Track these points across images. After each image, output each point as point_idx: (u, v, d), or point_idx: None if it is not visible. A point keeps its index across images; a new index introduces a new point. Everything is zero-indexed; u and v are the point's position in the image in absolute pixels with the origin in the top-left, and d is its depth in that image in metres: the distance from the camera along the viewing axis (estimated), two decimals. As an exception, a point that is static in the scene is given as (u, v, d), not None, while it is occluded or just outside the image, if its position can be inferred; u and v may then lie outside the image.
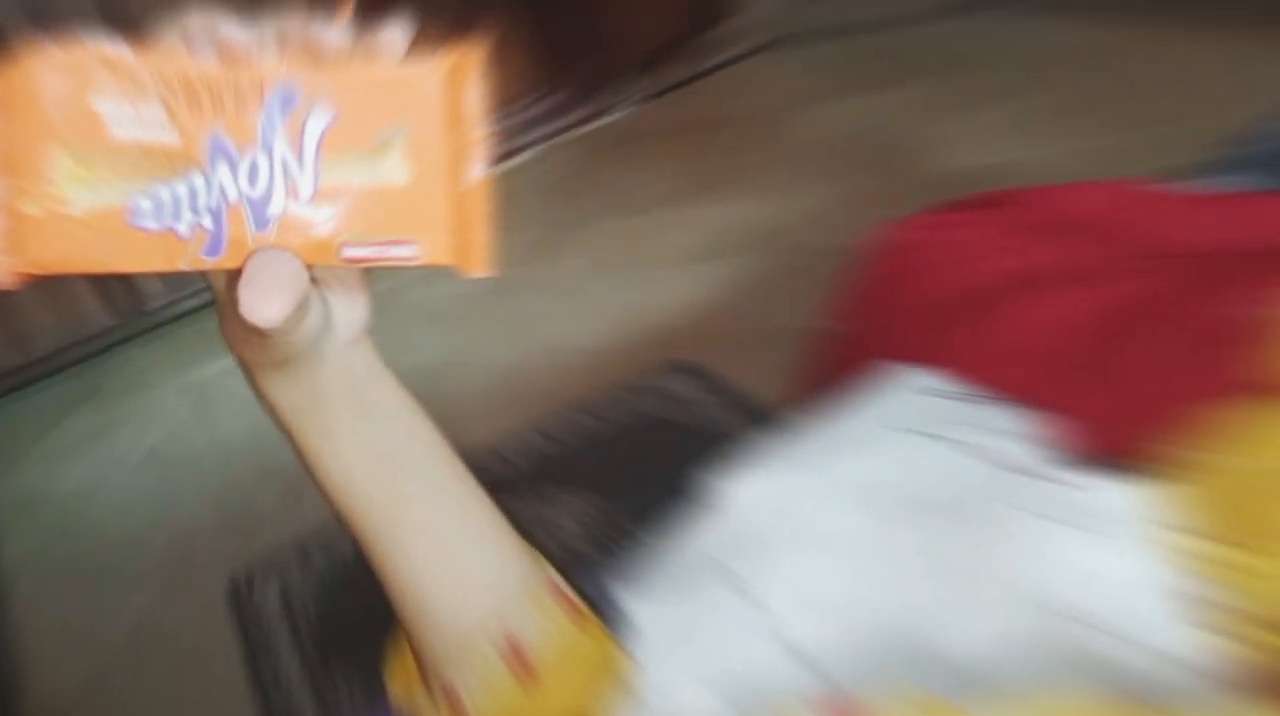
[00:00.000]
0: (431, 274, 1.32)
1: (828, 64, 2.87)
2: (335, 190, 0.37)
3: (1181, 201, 0.73)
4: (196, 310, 2.43)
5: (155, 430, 2.11)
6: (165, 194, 0.36)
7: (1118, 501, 0.50)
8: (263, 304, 0.36)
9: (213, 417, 2.07)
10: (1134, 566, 0.48)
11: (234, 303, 0.37)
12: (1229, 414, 0.50)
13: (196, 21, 0.36)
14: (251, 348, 0.43)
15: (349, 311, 0.46)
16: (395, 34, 0.37)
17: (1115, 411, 0.55)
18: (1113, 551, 0.48)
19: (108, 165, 0.36)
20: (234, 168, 0.36)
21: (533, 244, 2.33)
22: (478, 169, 0.38)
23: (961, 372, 0.61)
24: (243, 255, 0.37)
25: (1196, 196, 0.74)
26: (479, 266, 0.38)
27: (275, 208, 0.37)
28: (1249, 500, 0.48)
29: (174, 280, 2.36)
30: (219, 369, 2.21)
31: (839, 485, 0.57)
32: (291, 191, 0.37)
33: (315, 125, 0.36)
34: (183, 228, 0.36)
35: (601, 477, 1.50)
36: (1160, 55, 2.31)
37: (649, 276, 2.10)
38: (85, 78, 0.35)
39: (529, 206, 2.53)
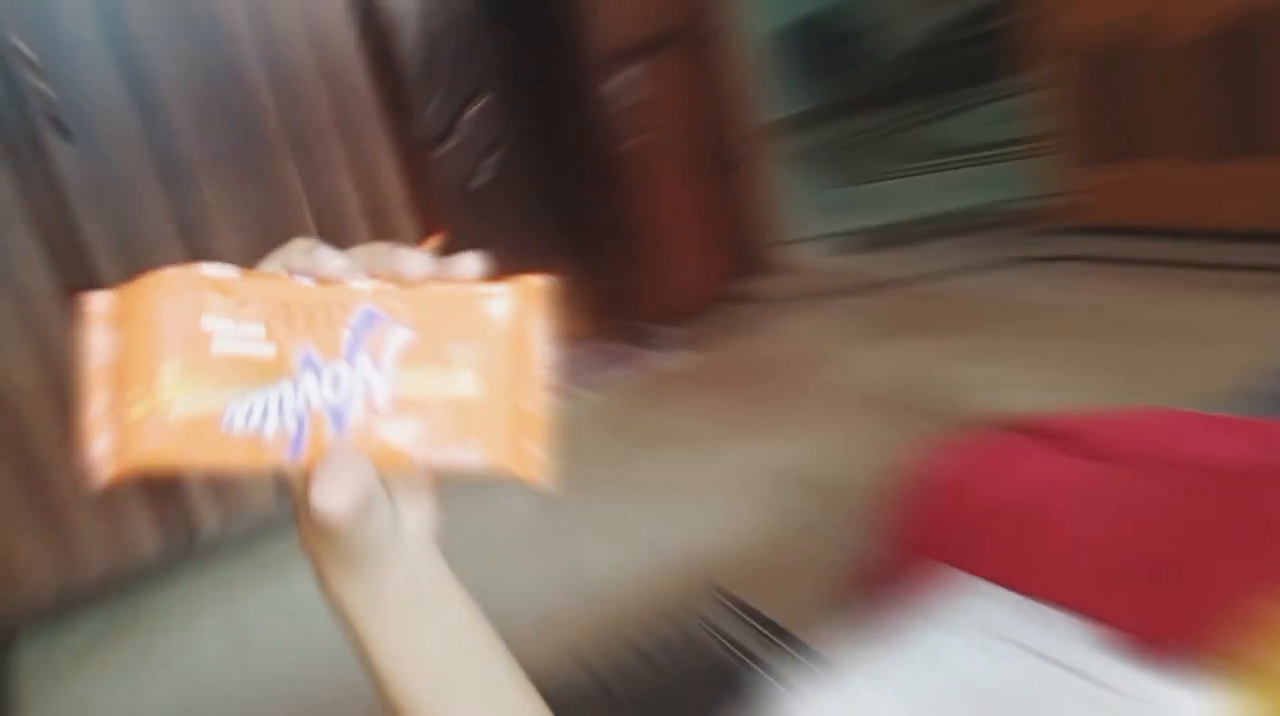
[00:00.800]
0: (471, 504, 1.36)
1: (859, 315, 3.02)
2: (409, 400, 0.40)
3: (1217, 424, 0.78)
4: (246, 539, 2.49)
5: (191, 663, 2.09)
6: (258, 400, 0.39)
7: (1186, 709, 0.52)
8: (331, 495, 0.39)
9: (249, 653, 2.06)
10: None
11: (308, 499, 0.40)
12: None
13: (297, 248, 0.41)
14: (321, 542, 0.46)
15: (417, 514, 0.48)
16: (470, 263, 0.41)
17: (1170, 618, 0.56)
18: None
19: (210, 375, 0.39)
20: (319, 377, 0.40)
21: (575, 477, 2.38)
22: (540, 387, 0.42)
23: (1018, 585, 0.64)
24: (321, 456, 0.40)
25: (1231, 420, 0.80)
26: (537, 476, 0.42)
27: (353, 413, 0.40)
28: None
29: (226, 508, 2.43)
30: (262, 603, 2.22)
31: (907, 697, 0.59)
32: (369, 399, 0.40)
33: (395, 341, 0.40)
34: (269, 430, 0.40)
35: (642, 710, 1.49)
36: (1166, 310, 2.43)
37: (689, 509, 2.14)
38: (198, 299, 0.40)
39: (571, 443, 2.59)
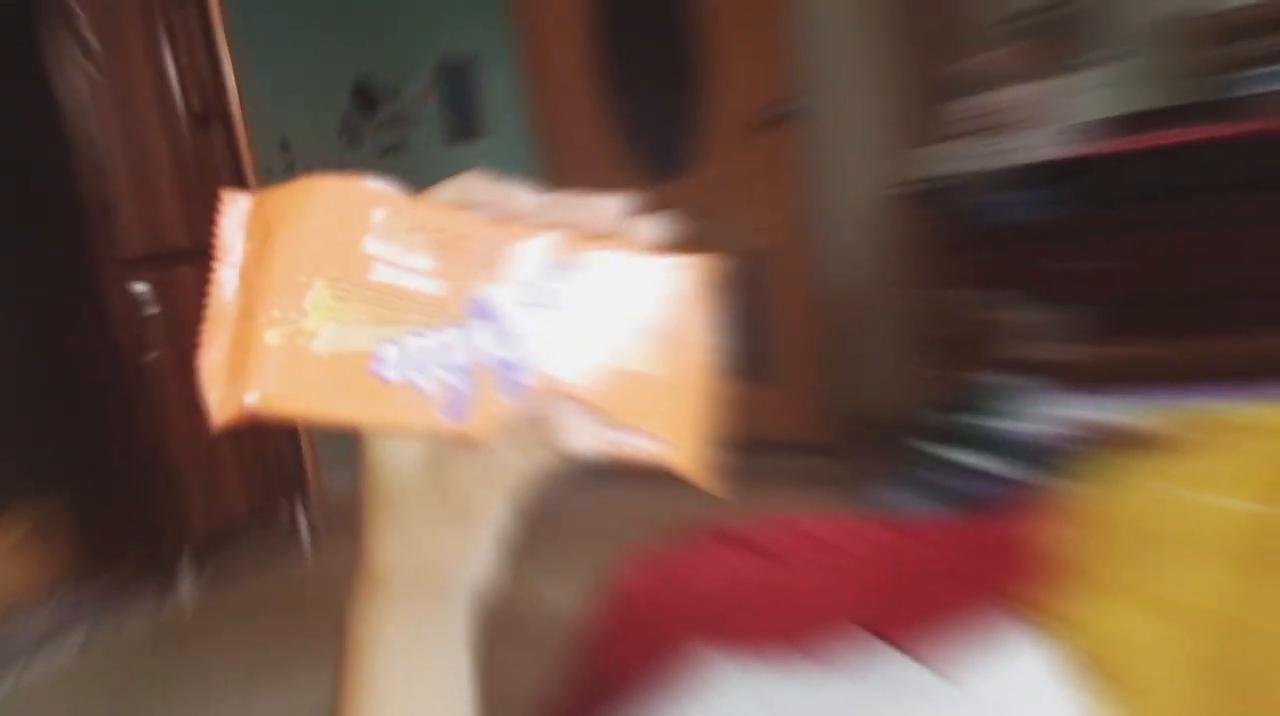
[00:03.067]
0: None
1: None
2: (590, 369, 0.35)
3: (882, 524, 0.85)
4: None
5: None
6: (415, 344, 0.33)
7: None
8: (581, 436, 0.34)
9: None
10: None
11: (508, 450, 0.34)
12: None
13: (476, 179, 0.35)
14: (419, 549, 0.37)
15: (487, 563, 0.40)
16: (653, 227, 0.36)
17: (922, 617, 0.60)
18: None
19: (365, 306, 0.32)
20: (492, 328, 0.34)
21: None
22: (715, 378, 0.37)
23: (769, 638, 0.64)
24: (484, 422, 0.34)
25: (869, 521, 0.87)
26: (711, 478, 0.36)
27: (529, 376, 0.34)
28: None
29: None
30: None
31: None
32: (547, 364, 0.34)
33: (580, 299, 0.34)
34: (426, 383, 0.33)
35: None
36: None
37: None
38: (362, 215, 0.33)
39: (86, 697, 2.16)
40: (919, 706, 0.56)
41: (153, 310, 2.70)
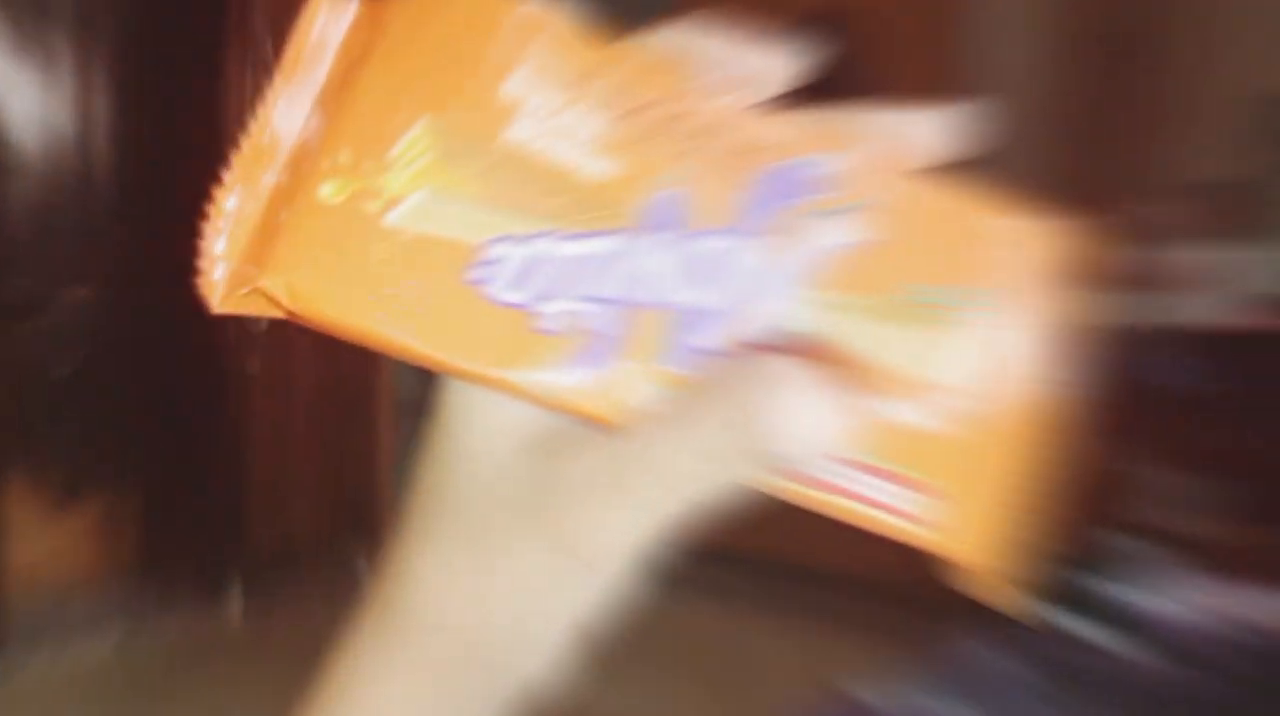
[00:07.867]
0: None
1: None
2: (838, 357, 0.21)
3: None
4: None
5: None
6: (549, 250, 0.21)
7: None
8: (810, 441, 0.19)
9: None
10: None
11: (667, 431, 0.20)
12: None
13: (694, 31, 0.22)
14: (482, 589, 0.22)
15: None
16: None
17: None
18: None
19: (485, 174, 0.20)
20: (677, 249, 0.21)
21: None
22: (1052, 430, 0.22)
23: None
24: (624, 392, 0.21)
25: None
26: (1002, 586, 0.22)
27: (719, 337, 0.21)
28: None
29: None
30: None
31: None
32: (762, 328, 0.21)
33: (834, 237, 0.21)
34: (550, 314, 0.21)
35: None
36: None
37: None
38: (514, 41, 0.21)
39: (107, 705, 2.11)
40: None
41: (262, 324, 2.73)
